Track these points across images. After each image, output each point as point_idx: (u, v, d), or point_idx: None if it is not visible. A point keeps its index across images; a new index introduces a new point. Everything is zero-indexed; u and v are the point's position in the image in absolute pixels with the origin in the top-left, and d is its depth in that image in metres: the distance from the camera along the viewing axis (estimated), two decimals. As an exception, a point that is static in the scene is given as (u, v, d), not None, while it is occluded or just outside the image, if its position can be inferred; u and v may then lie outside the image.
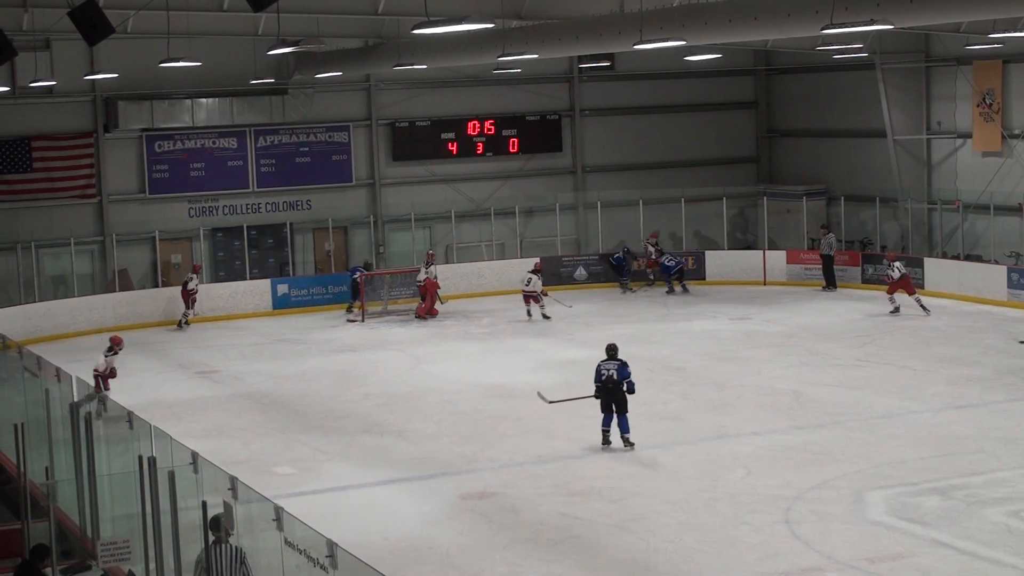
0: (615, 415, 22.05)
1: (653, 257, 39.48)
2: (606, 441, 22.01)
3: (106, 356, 26.23)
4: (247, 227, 38.93)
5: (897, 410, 24.06)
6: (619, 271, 39.74)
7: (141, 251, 38.36)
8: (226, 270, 39.06)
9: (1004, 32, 30.39)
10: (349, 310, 36.75)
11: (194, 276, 35.91)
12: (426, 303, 35.71)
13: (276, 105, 39.55)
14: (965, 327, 32.00)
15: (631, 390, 22.17)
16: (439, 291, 35.81)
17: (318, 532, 11.64)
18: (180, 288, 35.79)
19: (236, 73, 38.23)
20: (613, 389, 22.09)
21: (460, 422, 24.40)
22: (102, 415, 16.27)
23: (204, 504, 13.52)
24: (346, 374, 29.15)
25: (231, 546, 13.44)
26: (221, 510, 13.47)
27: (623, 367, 22.27)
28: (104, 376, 25.82)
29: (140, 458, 14.18)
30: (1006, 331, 31.27)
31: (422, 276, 35.70)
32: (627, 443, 21.89)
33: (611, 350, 22.76)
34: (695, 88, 45.09)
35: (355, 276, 36.68)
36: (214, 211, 39.41)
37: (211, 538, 13.33)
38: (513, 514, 18.84)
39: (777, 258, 39.93)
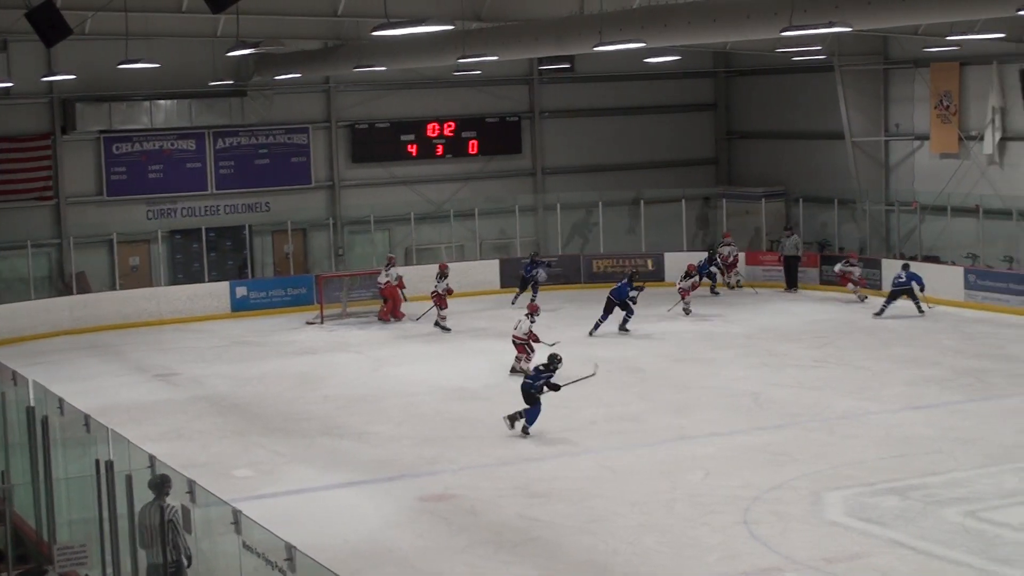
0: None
1: (734, 258, 39.25)
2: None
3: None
4: (206, 229, 38.75)
5: (855, 411, 24.16)
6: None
7: (99, 253, 38.14)
8: (185, 272, 38.88)
9: (961, 35, 30.58)
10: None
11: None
12: (388, 306, 35.61)
13: (235, 107, 39.40)
14: (923, 328, 32.16)
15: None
16: (403, 290, 35.69)
17: (276, 535, 11.60)
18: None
19: (195, 75, 38.08)
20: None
21: (420, 424, 24.36)
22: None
23: (161, 509, 13.48)
24: (306, 376, 29.06)
25: (171, 506, 13.44)
26: (179, 513, 13.43)
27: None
28: None
29: (97, 462, 14.12)
30: (963, 331, 31.46)
31: (383, 279, 35.60)
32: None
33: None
34: (655, 90, 45.17)
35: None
36: (172, 213, 39.25)
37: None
38: (473, 516, 18.83)
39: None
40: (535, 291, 36.54)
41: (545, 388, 23.00)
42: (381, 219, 41.00)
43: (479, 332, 33.28)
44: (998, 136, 36.33)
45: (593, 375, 23.61)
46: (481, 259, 40.79)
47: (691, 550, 17.07)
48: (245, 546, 12.38)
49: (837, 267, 36.65)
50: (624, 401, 25.57)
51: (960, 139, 37.70)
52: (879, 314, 33.54)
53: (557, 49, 31.16)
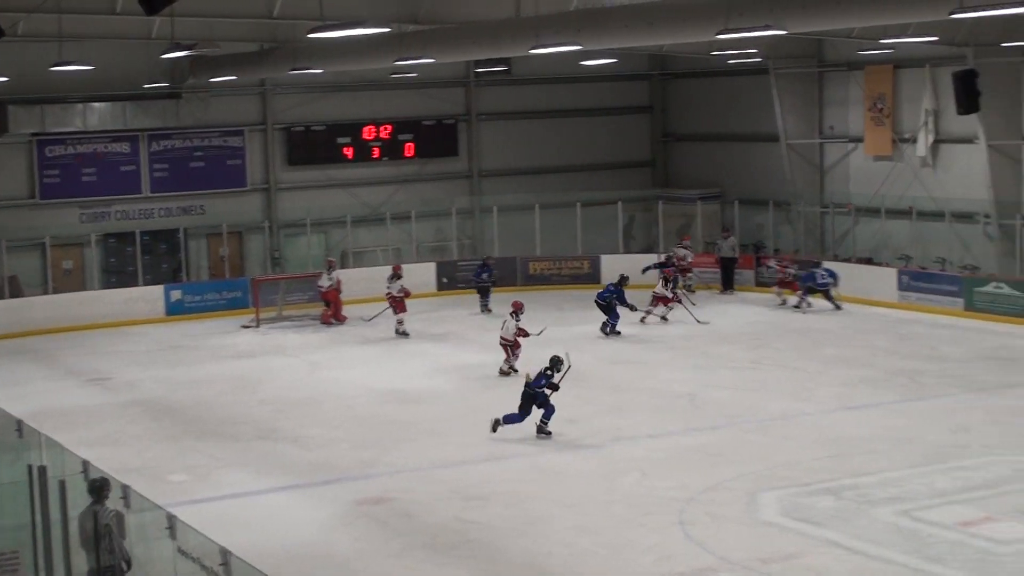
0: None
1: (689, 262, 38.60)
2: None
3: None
4: (140, 233, 38.46)
5: (790, 412, 24.30)
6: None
7: (32, 257, 37.77)
8: (118, 276, 38.61)
9: (895, 38, 30.84)
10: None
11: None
12: (331, 309, 35.50)
13: (170, 109, 39.17)
14: (856, 329, 32.39)
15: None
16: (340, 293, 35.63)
17: (212, 540, 11.56)
18: None
19: (129, 77, 37.83)
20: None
21: (357, 427, 24.31)
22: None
23: (94, 514, 13.39)
24: (242, 380, 28.93)
25: (108, 510, 13.35)
26: (114, 517, 13.35)
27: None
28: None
29: (30, 467, 14.00)
30: (896, 332, 31.70)
31: (324, 283, 35.48)
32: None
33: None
34: (591, 92, 45.28)
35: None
36: (106, 216, 38.95)
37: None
38: (409, 519, 18.80)
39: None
40: (486, 294, 36.70)
41: (547, 391, 22.88)
42: (317, 222, 40.88)
43: (415, 334, 33.22)
44: (931, 138, 36.64)
45: (569, 367, 23.41)
46: (418, 262, 40.74)
47: (627, 551, 17.11)
48: (180, 551, 12.33)
49: (772, 262, 37.15)
50: (560, 403, 25.53)
51: (894, 141, 38.00)
52: (798, 307, 34.43)
53: (494, 51, 31.18)
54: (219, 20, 32.24)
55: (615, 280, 33.33)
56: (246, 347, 32.98)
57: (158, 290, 37.50)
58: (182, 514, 13.18)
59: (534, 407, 22.88)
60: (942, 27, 31.22)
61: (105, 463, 17.05)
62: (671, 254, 38.17)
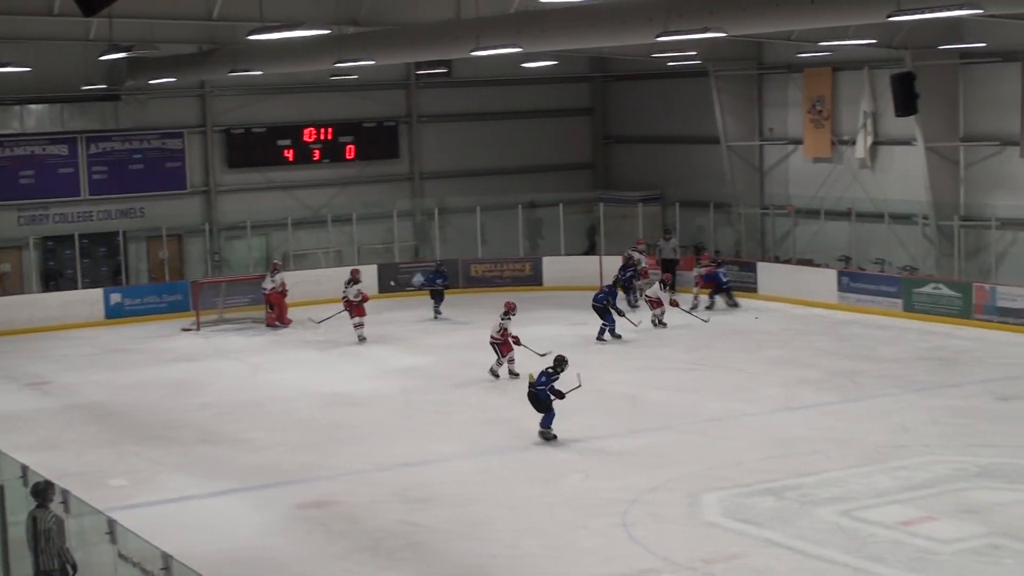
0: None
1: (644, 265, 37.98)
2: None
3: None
4: (79, 235, 38.23)
5: (731, 412, 24.39)
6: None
7: (-31, 260, 37.55)
8: (57, 279, 38.33)
9: (833, 40, 31.01)
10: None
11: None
12: (275, 312, 35.34)
13: (108, 111, 38.94)
14: (797, 330, 32.56)
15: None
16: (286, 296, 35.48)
17: (153, 544, 11.52)
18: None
19: (67, 79, 37.54)
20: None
21: (298, 430, 24.22)
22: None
23: (33, 519, 13.29)
24: (182, 384, 28.77)
25: (49, 514, 13.28)
26: (54, 522, 13.26)
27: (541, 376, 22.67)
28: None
29: (-32, 472, 13.90)
30: (836, 333, 31.88)
31: (268, 285, 35.32)
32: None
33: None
34: (532, 95, 45.31)
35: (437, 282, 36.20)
36: (44, 219, 38.63)
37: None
38: (352, 522, 18.75)
39: (614, 263, 40.15)
40: (439, 298, 36.15)
41: (552, 397, 22.55)
42: (258, 224, 40.72)
43: (354, 336, 33.12)
44: (870, 141, 36.88)
45: (579, 386, 23.09)
46: (359, 264, 40.60)
47: (570, 553, 17.13)
48: (121, 556, 12.28)
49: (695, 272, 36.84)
50: (502, 405, 25.59)
51: (833, 143, 38.23)
52: (710, 307, 34.74)
53: (434, 53, 31.19)
54: (158, 22, 32.02)
55: (610, 282, 33.34)
56: (187, 350, 32.80)
57: (97, 293, 37.25)
58: (122, 519, 13.13)
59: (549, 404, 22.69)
60: (880, 30, 31.48)
61: (44, 468, 16.95)
62: (628, 257, 37.69)
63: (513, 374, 27.70)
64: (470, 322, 34.73)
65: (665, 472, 20.54)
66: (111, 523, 12.26)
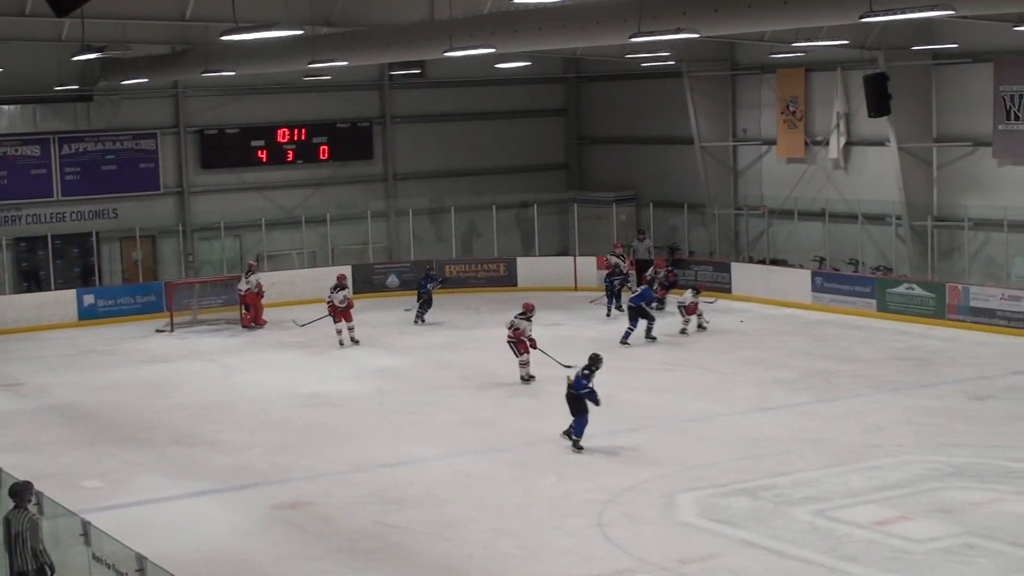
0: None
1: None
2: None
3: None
4: (52, 236, 38.11)
5: (706, 413, 24.44)
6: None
7: (-58, 261, 37.39)
8: (30, 280, 38.19)
9: (807, 41, 31.08)
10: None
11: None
12: (251, 313, 35.26)
13: (81, 112, 38.85)
14: (771, 330, 32.63)
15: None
16: (261, 297, 35.37)
17: (127, 546, 11.48)
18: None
19: (39, 79, 37.39)
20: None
21: (273, 431, 24.18)
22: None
23: (7, 521, 13.24)
24: (157, 385, 28.70)
25: (26, 514, 13.24)
26: (27, 523, 13.21)
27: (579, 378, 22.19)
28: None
29: (-59, 475, 13.85)
30: (811, 334, 31.96)
31: (243, 286, 35.24)
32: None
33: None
34: (506, 95, 45.32)
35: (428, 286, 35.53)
36: (17, 220, 38.49)
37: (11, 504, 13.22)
38: (327, 523, 18.72)
39: (587, 264, 40.27)
40: (428, 305, 35.40)
41: (589, 401, 22.07)
42: (231, 225, 40.64)
43: (331, 338, 33.06)
44: (843, 141, 36.99)
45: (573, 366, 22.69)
46: (333, 265, 40.59)
47: (546, 553, 17.13)
48: (95, 558, 12.23)
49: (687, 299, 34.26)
50: (478, 406, 25.60)
51: (806, 144, 38.33)
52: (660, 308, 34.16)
53: (408, 54, 31.15)
54: (130, 22, 31.89)
55: (650, 282, 32.85)
56: (161, 351, 32.72)
57: (70, 294, 37.14)
58: (97, 520, 13.08)
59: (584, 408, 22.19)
60: (853, 30, 31.56)
61: (18, 470, 16.88)
62: (615, 264, 36.53)
63: (528, 377, 27.31)
64: (444, 323, 34.74)
65: (640, 472, 20.56)
66: (85, 525, 12.21)
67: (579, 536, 17.72)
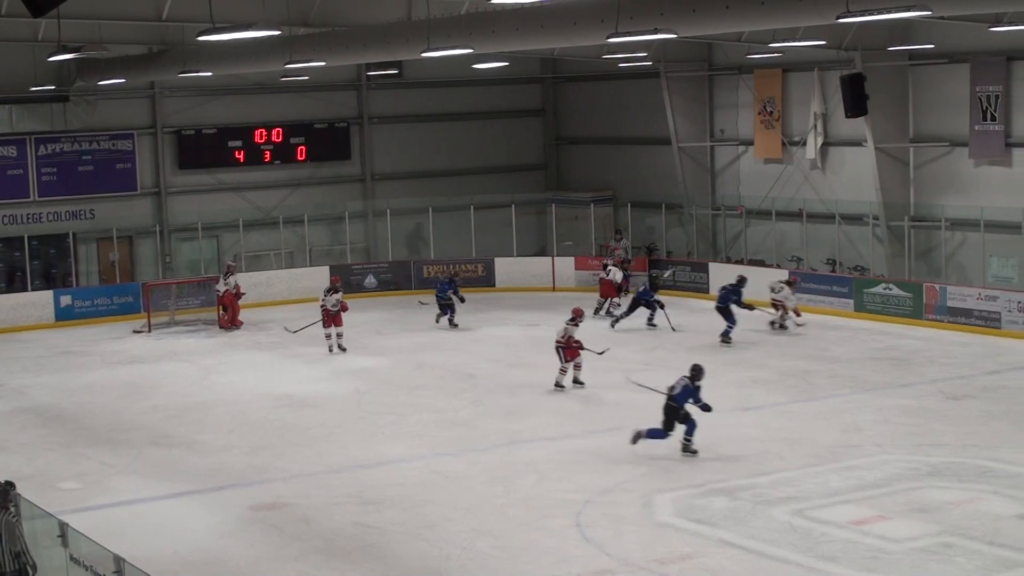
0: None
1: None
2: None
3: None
4: (28, 237, 37.98)
5: (685, 413, 24.41)
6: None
7: (-83, 262, 37.23)
8: (6, 281, 38.06)
9: (783, 42, 31.13)
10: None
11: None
12: (228, 314, 35.17)
13: (57, 113, 38.74)
14: (748, 331, 32.62)
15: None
16: (239, 298, 35.28)
17: (105, 548, 11.44)
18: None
19: (15, 80, 37.26)
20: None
21: (251, 432, 24.13)
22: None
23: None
24: (134, 386, 28.62)
25: (7, 512, 13.21)
26: (2, 525, 13.16)
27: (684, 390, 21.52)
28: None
29: (-82, 476, 13.78)
30: (788, 333, 31.98)
31: (221, 287, 35.14)
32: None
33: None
34: (483, 96, 45.32)
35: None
36: (-7, 221, 38.44)
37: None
38: (305, 524, 18.69)
39: (566, 264, 40.30)
40: (450, 309, 34.42)
41: (700, 408, 21.48)
42: (209, 226, 40.56)
43: (308, 339, 33.01)
44: (820, 141, 37.07)
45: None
46: (311, 266, 40.56)
47: (525, 554, 17.13)
48: (73, 559, 12.20)
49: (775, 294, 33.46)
50: (456, 407, 25.58)
51: (783, 144, 38.40)
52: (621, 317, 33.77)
53: (385, 55, 31.11)
54: (107, 22, 31.81)
55: (733, 281, 32.09)
56: (138, 352, 32.63)
57: (47, 295, 37.02)
58: (74, 522, 13.05)
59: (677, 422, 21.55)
60: (830, 31, 31.61)
61: (-6, 471, 16.83)
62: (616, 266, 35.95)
63: (578, 382, 26.81)
64: (422, 324, 34.71)
65: (619, 473, 20.57)
66: (63, 526, 12.18)
67: (558, 536, 17.72)
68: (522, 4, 23.93)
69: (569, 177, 46.61)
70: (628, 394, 26.01)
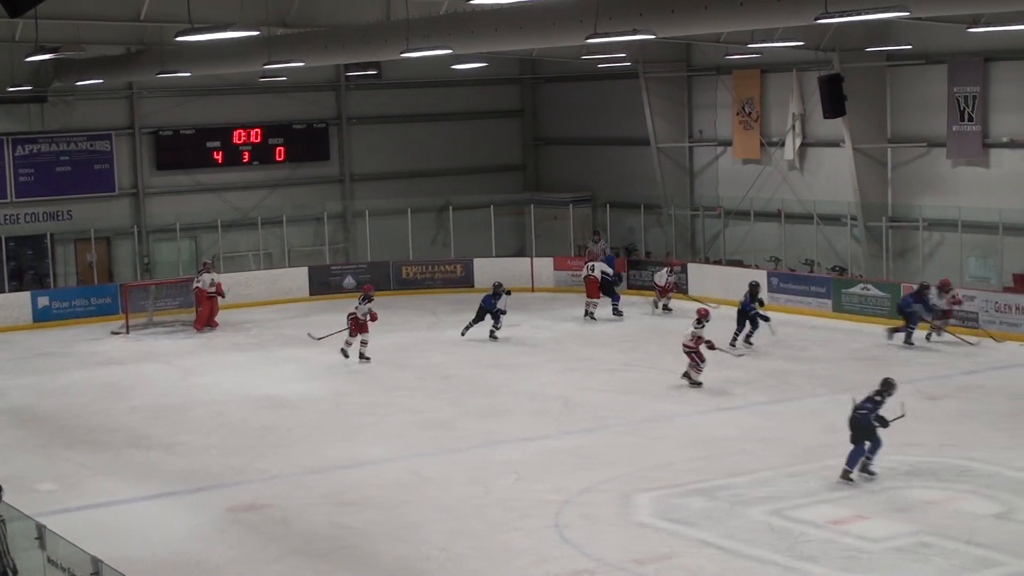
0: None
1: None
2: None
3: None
4: (5, 238, 37.87)
5: (663, 413, 24.48)
6: None
7: None
8: (-12, 283, 38.03)
9: (762, 43, 31.19)
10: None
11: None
12: (201, 313, 35.05)
13: (35, 113, 38.63)
14: (728, 331, 32.62)
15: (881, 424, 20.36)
16: (221, 297, 35.15)
17: (83, 550, 11.42)
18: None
19: (-8, 80, 37.24)
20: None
21: (229, 434, 24.10)
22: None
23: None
24: (112, 387, 28.55)
25: None
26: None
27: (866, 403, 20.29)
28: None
29: None
30: (767, 334, 32.00)
31: (195, 284, 35.05)
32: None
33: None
34: (462, 96, 45.32)
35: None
36: (-29, 222, 38.31)
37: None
38: (284, 525, 18.67)
39: (544, 265, 40.32)
40: (497, 320, 32.78)
41: (875, 423, 20.26)
42: (187, 227, 40.49)
43: (287, 340, 33.01)
44: (798, 142, 37.15)
45: (903, 416, 20.54)
46: (289, 266, 40.51)
47: (503, 555, 17.13)
48: (50, 561, 12.16)
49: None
50: (434, 407, 25.58)
51: (762, 145, 38.47)
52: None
53: (364, 55, 31.09)
54: (85, 23, 31.73)
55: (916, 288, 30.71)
56: (116, 354, 32.55)
57: (24, 296, 36.90)
58: (52, 524, 13.01)
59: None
60: (808, 32, 31.71)
61: (-29, 473, 16.78)
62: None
63: (695, 383, 26.65)
64: (400, 324, 34.68)
65: (597, 473, 20.58)
66: (40, 528, 12.14)
67: (536, 537, 17.72)
68: (501, 5, 23.91)
69: (548, 178, 46.63)
70: (605, 395, 26.11)
